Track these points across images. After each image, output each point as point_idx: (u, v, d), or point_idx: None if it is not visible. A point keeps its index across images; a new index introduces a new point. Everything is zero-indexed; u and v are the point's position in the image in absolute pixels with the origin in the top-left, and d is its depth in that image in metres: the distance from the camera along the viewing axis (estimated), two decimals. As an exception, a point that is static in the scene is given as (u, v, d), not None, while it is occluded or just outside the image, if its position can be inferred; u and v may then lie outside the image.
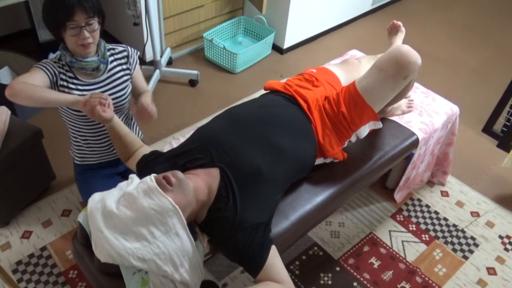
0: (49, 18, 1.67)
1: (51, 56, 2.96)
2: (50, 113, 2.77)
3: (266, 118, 1.68)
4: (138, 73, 1.96)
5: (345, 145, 1.88)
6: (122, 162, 2.06)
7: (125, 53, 1.90)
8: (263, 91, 2.00)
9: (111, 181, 1.97)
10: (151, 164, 1.61)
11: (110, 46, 1.87)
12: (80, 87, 1.80)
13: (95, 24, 1.70)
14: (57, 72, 1.75)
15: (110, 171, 2.05)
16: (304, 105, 1.79)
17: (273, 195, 1.57)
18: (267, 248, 1.43)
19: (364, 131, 1.82)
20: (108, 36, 3.51)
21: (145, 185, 1.36)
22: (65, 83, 1.77)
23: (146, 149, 1.73)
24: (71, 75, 1.78)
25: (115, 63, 1.87)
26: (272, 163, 1.57)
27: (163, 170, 1.49)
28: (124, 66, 1.90)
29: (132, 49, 1.93)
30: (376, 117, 1.78)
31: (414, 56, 1.68)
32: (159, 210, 1.31)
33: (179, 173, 1.41)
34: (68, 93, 1.77)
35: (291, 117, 1.73)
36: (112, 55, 1.87)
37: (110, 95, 1.84)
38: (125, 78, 1.90)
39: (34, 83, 1.65)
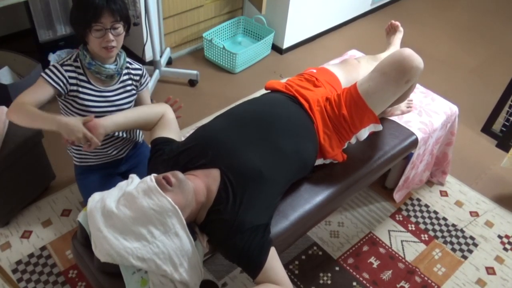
0: (76, 18, 1.68)
1: (51, 57, 2.97)
2: (50, 112, 2.76)
3: (269, 118, 1.68)
4: (145, 92, 2.00)
5: (345, 146, 1.89)
6: (124, 163, 2.07)
7: (139, 72, 1.92)
8: (262, 91, 2.00)
9: (112, 181, 1.97)
10: (160, 153, 1.62)
11: (128, 60, 1.90)
12: (90, 91, 1.80)
13: (121, 29, 1.71)
14: (65, 79, 1.74)
15: (111, 171, 2.04)
16: (306, 105, 1.79)
17: (273, 197, 1.56)
18: (266, 250, 1.43)
19: (364, 133, 1.82)
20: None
21: (145, 185, 1.36)
22: (74, 87, 1.77)
23: (164, 124, 1.74)
24: (84, 78, 1.78)
25: (127, 77, 1.89)
26: (273, 165, 1.56)
27: (164, 169, 1.50)
28: (135, 83, 1.92)
29: (146, 72, 1.97)
30: (377, 120, 1.78)
31: (417, 60, 1.67)
32: (158, 210, 1.32)
33: (179, 174, 1.41)
34: (76, 96, 1.77)
35: (293, 116, 1.73)
36: (127, 68, 1.89)
37: (115, 106, 1.86)
38: (133, 92, 1.92)
39: (35, 99, 1.66)
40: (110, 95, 1.85)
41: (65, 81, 1.74)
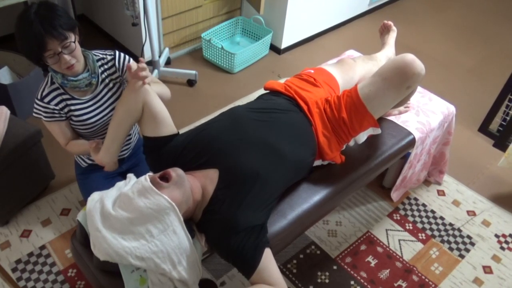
0: (26, 54, 1.61)
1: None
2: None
3: (269, 121, 1.68)
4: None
5: (343, 148, 1.90)
6: (125, 162, 2.08)
7: (112, 62, 1.83)
8: (261, 91, 2.01)
9: (113, 181, 1.97)
10: (157, 152, 1.63)
11: (100, 56, 1.81)
12: (78, 106, 1.79)
13: (72, 45, 1.61)
14: (56, 110, 1.75)
15: (112, 171, 2.05)
16: (305, 107, 1.79)
17: (270, 198, 1.57)
18: (260, 251, 1.44)
19: (362, 136, 1.83)
20: (107, 37, 3.53)
21: (139, 185, 1.37)
22: (66, 109, 1.77)
23: (150, 116, 1.63)
24: (67, 96, 1.76)
25: (105, 74, 1.83)
26: (271, 167, 1.57)
27: (163, 168, 1.51)
28: (113, 76, 1.85)
29: (120, 53, 1.85)
30: (376, 123, 1.79)
31: (419, 67, 1.68)
32: (156, 208, 1.33)
33: (179, 170, 1.43)
34: (72, 115, 1.79)
35: (293, 120, 1.73)
36: (102, 65, 1.81)
37: (107, 108, 1.84)
38: (117, 86, 1.87)
39: (66, 136, 1.84)
40: (97, 101, 1.82)
41: (57, 111, 1.74)
